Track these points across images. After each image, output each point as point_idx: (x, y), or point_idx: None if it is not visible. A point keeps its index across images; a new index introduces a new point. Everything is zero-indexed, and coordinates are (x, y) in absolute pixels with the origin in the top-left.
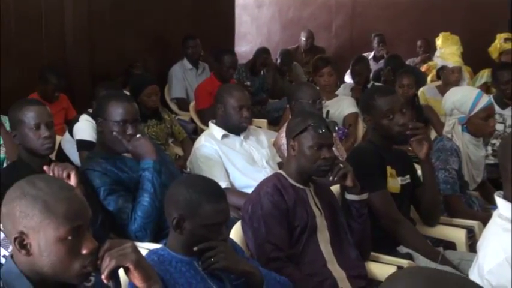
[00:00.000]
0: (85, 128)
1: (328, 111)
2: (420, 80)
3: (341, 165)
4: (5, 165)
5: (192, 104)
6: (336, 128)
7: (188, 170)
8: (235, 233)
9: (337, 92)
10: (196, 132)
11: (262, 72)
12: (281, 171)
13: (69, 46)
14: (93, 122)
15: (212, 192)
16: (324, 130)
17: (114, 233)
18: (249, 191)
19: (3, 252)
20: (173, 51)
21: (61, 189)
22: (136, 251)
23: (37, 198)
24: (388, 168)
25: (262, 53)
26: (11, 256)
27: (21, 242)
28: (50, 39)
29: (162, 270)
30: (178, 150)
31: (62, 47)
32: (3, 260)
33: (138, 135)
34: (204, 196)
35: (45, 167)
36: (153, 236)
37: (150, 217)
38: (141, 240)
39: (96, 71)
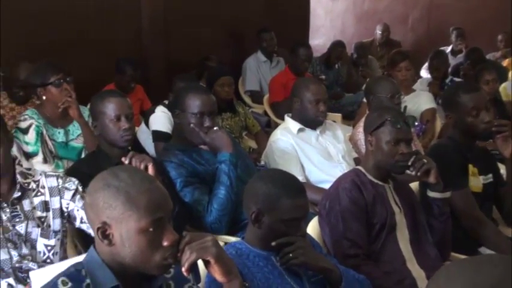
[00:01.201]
0: (161, 119)
1: (405, 107)
2: (502, 75)
3: (424, 161)
4: (83, 155)
5: (266, 97)
6: (416, 124)
7: (262, 163)
8: (312, 228)
9: (414, 87)
10: (270, 125)
11: (336, 65)
12: (359, 167)
13: (145, 37)
14: (169, 114)
15: (292, 187)
16: (401, 125)
17: (190, 225)
18: (325, 186)
19: None
20: (248, 43)
21: (143, 180)
22: (217, 244)
23: (120, 189)
24: (470, 166)
25: (337, 46)
26: (94, 246)
27: (103, 232)
28: (126, 30)
29: (240, 264)
30: (252, 143)
31: (138, 38)
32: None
33: (215, 128)
34: (283, 191)
35: (123, 158)
36: (228, 229)
37: (226, 209)
38: (217, 232)
39: (171, 62)
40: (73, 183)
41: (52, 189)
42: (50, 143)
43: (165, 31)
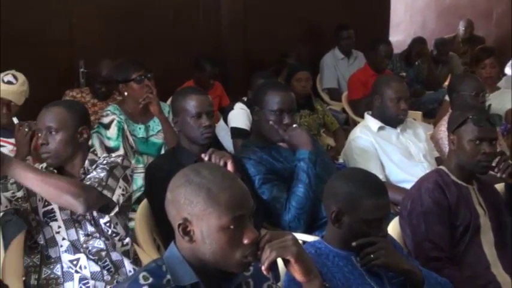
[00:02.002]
0: (239, 116)
1: (490, 105)
2: None
3: (510, 162)
4: (163, 151)
5: (345, 94)
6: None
7: (341, 161)
8: (392, 229)
9: (498, 85)
10: (348, 123)
11: (417, 62)
12: (442, 167)
13: (224, 34)
14: (248, 110)
15: (374, 186)
16: (484, 123)
17: (267, 222)
18: (405, 185)
19: None
20: (326, 40)
21: (224, 178)
22: (297, 243)
23: (201, 186)
24: None
25: (418, 42)
26: (174, 242)
27: (184, 229)
28: (206, 28)
29: (319, 263)
30: (330, 141)
31: (217, 35)
32: None
33: (294, 125)
34: (365, 190)
35: (202, 155)
36: (306, 227)
37: (304, 207)
38: (295, 230)
39: (250, 59)
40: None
41: None
42: (130, 138)
43: (243, 28)
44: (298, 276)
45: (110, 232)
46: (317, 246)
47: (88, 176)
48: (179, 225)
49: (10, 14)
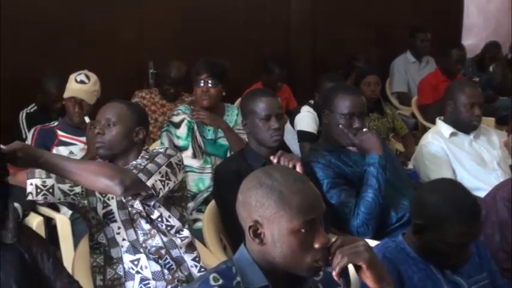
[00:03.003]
0: (306, 119)
1: None
2: None
3: None
4: (229, 153)
5: (415, 99)
6: None
7: (410, 167)
8: None
9: None
10: (417, 128)
11: (491, 67)
12: None
13: (292, 36)
14: (315, 114)
15: (466, 210)
16: None
17: (335, 227)
18: (478, 194)
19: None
20: (395, 43)
21: (296, 181)
22: (369, 249)
23: (273, 189)
24: None
25: (492, 46)
26: (244, 244)
27: (255, 231)
28: (274, 30)
29: (400, 259)
30: (399, 146)
31: (286, 37)
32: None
33: (364, 129)
34: (456, 213)
35: (271, 157)
36: (374, 233)
37: (373, 213)
38: (363, 236)
39: (318, 62)
40: None
41: None
42: (199, 139)
43: (312, 30)
44: (370, 283)
45: (164, 226)
46: (398, 241)
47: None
48: (250, 227)
49: (84, 17)
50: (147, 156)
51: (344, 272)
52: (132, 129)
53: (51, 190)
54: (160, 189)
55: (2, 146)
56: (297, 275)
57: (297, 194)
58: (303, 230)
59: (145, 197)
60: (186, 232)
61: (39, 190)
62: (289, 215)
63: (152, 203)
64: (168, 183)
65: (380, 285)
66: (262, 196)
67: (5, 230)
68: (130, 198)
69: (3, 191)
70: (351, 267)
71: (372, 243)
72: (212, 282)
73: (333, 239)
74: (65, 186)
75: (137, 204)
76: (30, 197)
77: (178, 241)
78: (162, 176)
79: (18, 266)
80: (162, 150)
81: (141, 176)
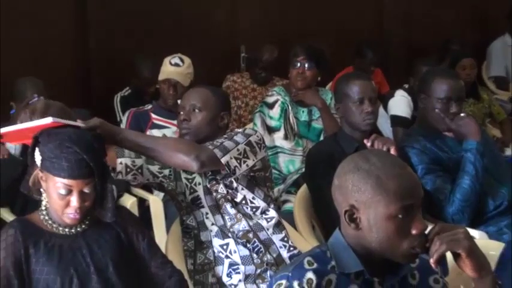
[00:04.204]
0: (400, 103)
1: None
2: None
3: None
4: (321, 137)
5: None
6: None
7: (508, 153)
8: None
9: None
10: None
11: None
12: None
13: (386, 20)
14: (409, 98)
15: None
16: None
17: (429, 214)
18: None
19: None
20: (494, 25)
21: (394, 165)
22: (469, 237)
23: (370, 173)
24: None
25: None
26: (339, 228)
27: (351, 216)
28: (368, 13)
29: None
30: (496, 132)
31: (379, 20)
32: None
33: (462, 114)
34: None
35: (365, 140)
36: (470, 221)
37: (469, 200)
38: (458, 223)
39: (412, 45)
40: None
41: None
42: (292, 120)
43: (406, 14)
44: (469, 271)
45: (249, 209)
46: None
47: None
48: (346, 211)
49: (178, 0)
50: (226, 135)
51: (442, 260)
52: (217, 114)
53: (140, 170)
54: (236, 166)
55: (80, 123)
56: (393, 261)
57: (395, 179)
58: (400, 216)
59: (225, 175)
60: (272, 212)
61: (128, 169)
62: (387, 200)
63: (235, 185)
64: (245, 162)
65: (480, 274)
66: (359, 180)
67: (104, 210)
68: (214, 182)
69: (102, 171)
70: (449, 255)
71: (471, 231)
72: (306, 266)
73: (431, 226)
74: (154, 168)
75: (221, 188)
76: (119, 176)
77: (264, 223)
78: (239, 154)
79: (114, 245)
80: (241, 130)
81: (217, 152)
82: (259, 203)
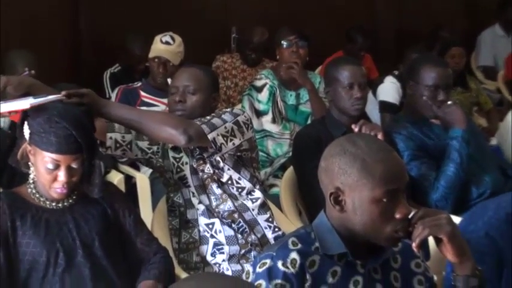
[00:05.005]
0: (389, 89)
1: None
2: None
3: None
4: (309, 120)
5: (501, 73)
6: None
7: (493, 142)
8: None
9: None
10: (502, 103)
11: None
12: None
13: (378, 5)
14: (398, 84)
15: None
16: None
17: (413, 200)
18: None
19: None
20: (484, 15)
21: (380, 150)
22: (451, 222)
23: (356, 156)
24: None
25: None
26: (324, 210)
27: (336, 198)
28: None
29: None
30: (482, 121)
31: (370, 6)
32: None
33: (449, 102)
34: None
35: (353, 125)
36: (454, 208)
37: (453, 187)
38: (441, 210)
39: (402, 32)
40: None
41: None
42: (280, 104)
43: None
44: (450, 256)
45: (234, 189)
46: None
47: None
48: (331, 194)
49: None
50: (214, 114)
51: (424, 244)
52: (210, 95)
53: (129, 146)
54: (222, 144)
55: (63, 93)
56: (376, 244)
57: (381, 163)
58: (384, 200)
59: (211, 153)
60: (257, 193)
61: (118, 145)
62: (372, 184)
63: (221, 165)
64: (232, 140)
65: (460, 259)
66: (345, 163)
67: (91, 185)
68: (201, 162)
69: (91, 147)
70: (431, 239)
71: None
72: (291, 246)
73: (414, 211)
74: (143, 144)
75: (208, 168)
76: (109, 151)
77: (249, 203)
78: (227, 132)
79: (101, 221)
80: (229, 109)
81: (205, 127)
82: (245, 183)
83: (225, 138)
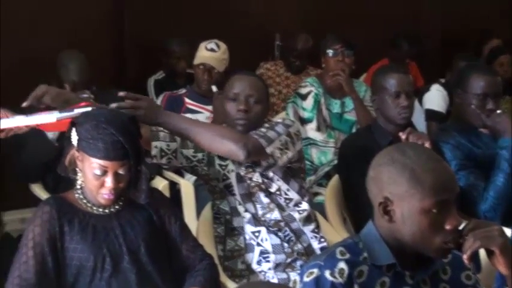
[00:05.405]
0: (436, 98)
1: None
2: None
3: None
4: (354, 129)
5: None
6: None
7: None
8: None
9: None
10: None
11: None
12: None
13: (424, 12)
14: (445, 92)
15: None
16: None
17: (461, 210)
18: None
19: None
20: None
21: (430, 159)
22: (503, 235)
23: (405, 166)
24: None
25: None
26: (372, 220)
27: (385, 208)
28: (404, 5)
29: None
30: None
31: (416, 12)
32: None
33: (498, 111)
34: None
35: (400, 133)
36: (503, 219)
37: (503, 198)
38: (490, 221)
39: (449, 39)
40: None
41: None
42: (325, 112)
43: (443, 6)
44: (502, 269)
45: (282, 200)
46: None
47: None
48: (380, 203)
49: None
50: (267, 125)
51: (475, 256)
52: (268, 106)
53: (174, 154)
54: (278, 157)
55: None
56: (425, 255)
57: (431, 173)
58: (434, 210)
59: (266, 167)
60: (304, 205)
61: (163, 153)
62: (421, 194)
63: (271, 175)
64: (287, 153)
65: None
66: (394, 173)
67: (138, 191)
68: (250, 170)
69: (137, 153)
70: (482, 252)
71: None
72: (339, 256)
73: (465, 222)
74: (188, 152)
75: (257, 177)
76: (154, 160)
77: (296, 214)
78: (281, 145)
79: (147, 227)
80: (280, 120)
81: (262, 142)
82: (293, 195)
83: (280, 152)
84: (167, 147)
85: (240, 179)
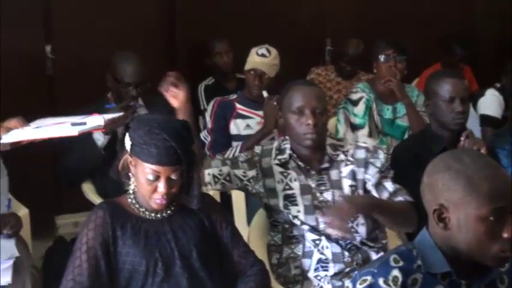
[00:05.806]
0: (491, 103)
1: None
2: None
3: None
4: (406, 135)
5: None
6: None
7: None
8: None
9: None
10: None
11: None
12: None
13: (477, 15)
14: (500, 97)
15: None
16: None
17: None
18: None
19: None
20: None
21: (487, 166)
22: None
23: (461, 173)
24: None
25: None
26: (426, 227)
27: (440, 215)
28: (458, 8)
29: None
30: None
31: (470, 16)
32: None
33: None
34: None
35: (463, 133)
36: None
37: None
38: None
39: (503, 42)
40: (379, 161)
41: (359, 161)
42: (377, 118)
43: (498, 8)
44: None
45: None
46: None
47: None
48: (434, 210)
49: None
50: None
51: None
52: (327, 115)
53: (228, 177)
54: None
55: None
56: (481, 263)
57: (487, 180)
58: (491, 218)
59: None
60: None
61: (216, 179)
62: (478, 202)
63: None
64: None
65: None
66: (449, 180)
67: (190, 197)
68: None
69: (189, 159)
70: None
71: None
72: (392, 263)
73: None
74: (239, 172)
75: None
76: (209, 187)
77: (359, 228)
78: None
79: (198, 232)
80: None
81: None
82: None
83: None
84: (219, 172)
85: (307, 191)
